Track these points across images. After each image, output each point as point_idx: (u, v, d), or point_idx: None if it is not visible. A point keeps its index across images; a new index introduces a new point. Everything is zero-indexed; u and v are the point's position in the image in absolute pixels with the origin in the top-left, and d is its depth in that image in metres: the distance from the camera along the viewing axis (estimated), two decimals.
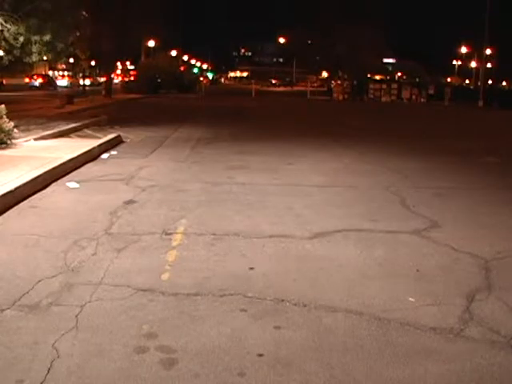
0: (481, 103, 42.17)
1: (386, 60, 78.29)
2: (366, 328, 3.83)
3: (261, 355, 3.44)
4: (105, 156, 11.46)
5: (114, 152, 12.06)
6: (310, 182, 9.05)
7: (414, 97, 49.87)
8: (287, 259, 5.21)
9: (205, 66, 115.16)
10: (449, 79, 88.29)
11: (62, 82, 58.31)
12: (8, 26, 13.44)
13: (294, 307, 4.12)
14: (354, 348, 3.56)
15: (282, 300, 4.23)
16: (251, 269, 4.91)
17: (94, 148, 11.38)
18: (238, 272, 4.83)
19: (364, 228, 6.31)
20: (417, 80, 72.10)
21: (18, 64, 18.77)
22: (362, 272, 4.91)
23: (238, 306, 4.11)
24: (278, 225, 6.37)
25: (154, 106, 31.77)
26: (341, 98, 51.90)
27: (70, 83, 47.32)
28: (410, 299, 4.32)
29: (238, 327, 3.80)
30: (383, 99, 49.41)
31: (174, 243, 5.62)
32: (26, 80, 51.19)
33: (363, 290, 4.49)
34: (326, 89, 63.44)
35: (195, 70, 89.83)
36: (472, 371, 3.33)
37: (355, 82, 54.49)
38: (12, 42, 14.30)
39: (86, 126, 16.97)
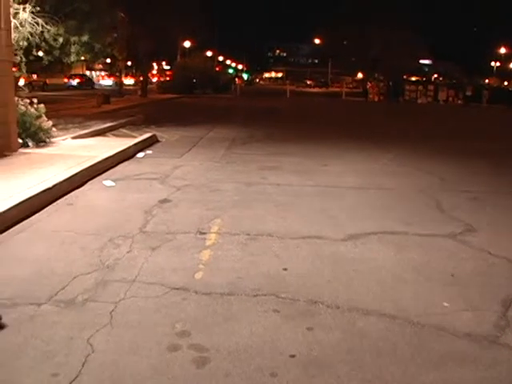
0: None
1: (422, 61, 77.35)
2: (399, 332, 3.79)
3: (293, 356, 3.44)
4: (140, 155, 11.59)
5: (149, 151, 12.18)
6: (345, 183, 9.01)
7: (450, 98, 49.14)
8: (321, 260, 5.19)
9: (240, 67, 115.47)
10: (487, 80, 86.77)
11: (107, 81, 59.69)
12: (48, 27, 13.70)
13: (327, 309, 4.10)
14: (386, 352, 3.53)
15: (315, 301, 4.22)
16: (285, 269, 4.91)
17: (129, 147, 11.52)
18: (272, 272, 4.83)
19: (399, 231, 6.24)
20: (453, 81, 71.04)
21: (58, 64, 19.13)
22: (396, 275, 4.86)
23: (270, 307, 4.12)
24: (311, 226, 6.35)
25: (189, 106, 31.99)
26: (376, 99, 51.46)
27: (115, 83, 48.10)
28: (445, 304, 4.26)
29: (271, 327, 3.80)
30: (419, 101, 48.80)
31: (208, 242, 5.65)
32: (65, 80, 52.15)
33: (397, 293, 4.45)
34: (361, 90, 62.97)
35: (230, 71, 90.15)
36: (507, 379, 3.27)
37: (391, 83, 53.95)
38: (52, 42, 14.57)
39: (122, 126, 17.20)
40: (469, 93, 48.82)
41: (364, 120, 25.04)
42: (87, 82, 54.21)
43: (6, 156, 9.64)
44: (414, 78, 67.68)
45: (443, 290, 4.54)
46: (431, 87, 52.42)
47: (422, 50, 60.27)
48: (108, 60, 39.11)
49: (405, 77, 61.75)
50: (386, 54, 51.97)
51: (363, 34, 51.79)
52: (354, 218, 6.76)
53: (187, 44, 54.41)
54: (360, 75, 70.00)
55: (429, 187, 8.80)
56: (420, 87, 52.36)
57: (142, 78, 42.13)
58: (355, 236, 5.97)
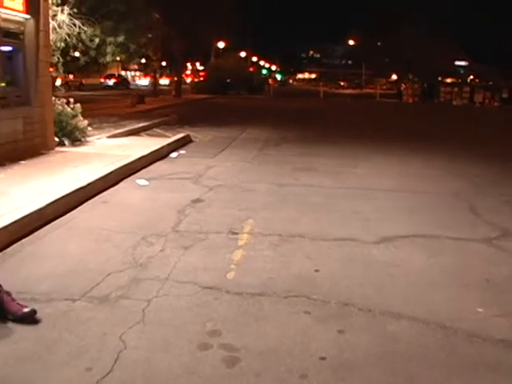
0: None
1: (457, 62, 76.30)
2: (431, 336, 3.75)
3: (323, 358, 3.43)
4: (174, 155, 11.69)
5: (182, 151, 12.28)
6: (377, 186, 8.94)
7: (486, 100, 48.27)
8: (353, 263, 5.17)
9: (273, 68, 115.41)
10: None
11: (144, 81, 60.77)
12: (85, 28, 13.92)
13: (358, 312, 4.09)
14: (418, 356, 3.50)
15: (347, 304, 4.20)
16: (316, 271, 4.90)
17: (163, 147, 11.64)
18: (303, 274, 4.83)
19: (432, 234, 6.18)
20: (490, 83, 69.84)
21: (94, 64, 19.40)
22: (428, 279, 4.82)
23: (302, 308, 4.12)
24: (344, 228, 6.33)
25: (222, 107, 32.10)
26: (411, 100, 50.90)
27: (152, 83, 48.85)
28: (479, 309, 4.20)
29: (302, 329, 3.80)
30: (454, 102, 48.06)
31: (240, 243, 5.67)
32: (101, 80, 52.97)
33: (430, 297, 4.41)
34: (395, 91, 62.40)
35: (264, 72, 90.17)
36: None
37: (425, 85, 53.30)
38: (88, 43, 14.80)
39: (156, 125, 17.35)
40: (505, 95, 47.93)
41: (397, 122, 24.77)
42: (123, 82, 55.02)
43: (42, 154, 9.83)
44: (449, 80, 66.78)
45: (477, 295, 4.48)
46: (467, 89, 51.63)
47: (457, 51, 59.44)
48: (143, 60, 39.49)
49: (440, 78, 60.98)
50: (420, 56, 51.35)
51: (398, 35, 51.29)
52: (386, 221, 6.71)
53: (221, 45, 54.60)
54: (394, 77, 69.36)
55: (461, 190, 8.68)
56: (455, 89, 51.64)
57: (176, 79, 42.46)
58: (388, 239, 5.93)
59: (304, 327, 3.83)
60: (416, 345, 3.63)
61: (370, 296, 4.38)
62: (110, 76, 54.09)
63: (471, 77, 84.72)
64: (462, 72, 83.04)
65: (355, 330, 3.82)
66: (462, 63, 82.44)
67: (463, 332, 3.82)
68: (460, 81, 70.07)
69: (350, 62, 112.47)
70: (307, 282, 4.65)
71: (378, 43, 59.25)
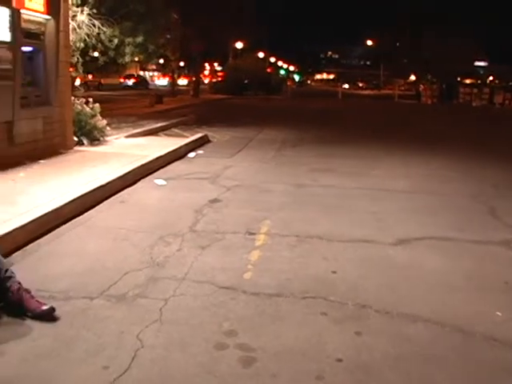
0: None
1: (477, 63, 75.73)
2: (448, 340, 3.73)
3: (340, 360, 3.42)
4: (191, 155, 11.73)
5: (200, 151, 12.32)
6: (395, 187, 8.89)
7: (506, 101, 47.71)
8: (370, 265, 5.15)
9: (291, 68, 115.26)
10: None
11: (162, 81, 61.36)
12: (104, 28, 14.00)
13: (375, 314, 4.07)
14: (435, 359, 3.47)
15: (364, 305, 4.19)
16: (333, 272, 4.89)
17: (181, 147, 11.68)
18: (320, 275, 4.82)
19: (450, 237, 6.12)
20: (510, 84, 69.11)
21: (113, 65, 19.50)
22: (446, 282, 4.78)
23: (318, 309, 4.11)
24: (361, 229, 6.31)
25: (240, 107, 32.09)
26: (429, 101, 50.53)
27: (170, 83, 49.20)
28: (497, 313, 4.16)
29: (318, 330, 3.80)
30: (474, 103, 47.63)
31: (257, 243, 5.68)
32: (121, 80, 53.39)
33: (447, 300, 4.37)
34: (413, 92, 62.04)
35: (282, 72, 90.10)
36: None
37: (444, 86, 52.87)
38: (107, 43, 14.86)
39: (174, 125, 17.42)
40: None
41: (416, 123, 24.59)
42: (142, 82, 55.48)
43: (61, 154, 9.91)
44: (468, 81, 66.25)
45: (496, 299, 4.44)
46: (486, 90, 51.10)
47: (476, 51, 58.97)
48: (161, 60, 39.65)
49: (459, 79, 60.50)
50: (439, 56, 50.99)
51: (417, 36, 51.02)
52: (404, 223, 6.67)
53: (239, 45, 54.63)
54: (413, 77, 68.95)
55: (481, 193, 8.59)
56: (475, 90, 51.14)
57: (194, 79, 42.60)
58: (405, 241, 5.90)
59: (321, 328, 3.83)
60: (433, 348, 3.61)
61: (386, 298, 4.36)
62: (130, 76, 54.51)
63: (491, 77, 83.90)
64: (481, 73, 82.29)
65: (372, 331, 3.80)
66: (482, 64, 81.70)
67: (481, 335, 3.79)
68: (479, 82, 69.42)
69: (368, 62, 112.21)
70: (324, 283, 4.64)
71: (397, 44, 58.99)
